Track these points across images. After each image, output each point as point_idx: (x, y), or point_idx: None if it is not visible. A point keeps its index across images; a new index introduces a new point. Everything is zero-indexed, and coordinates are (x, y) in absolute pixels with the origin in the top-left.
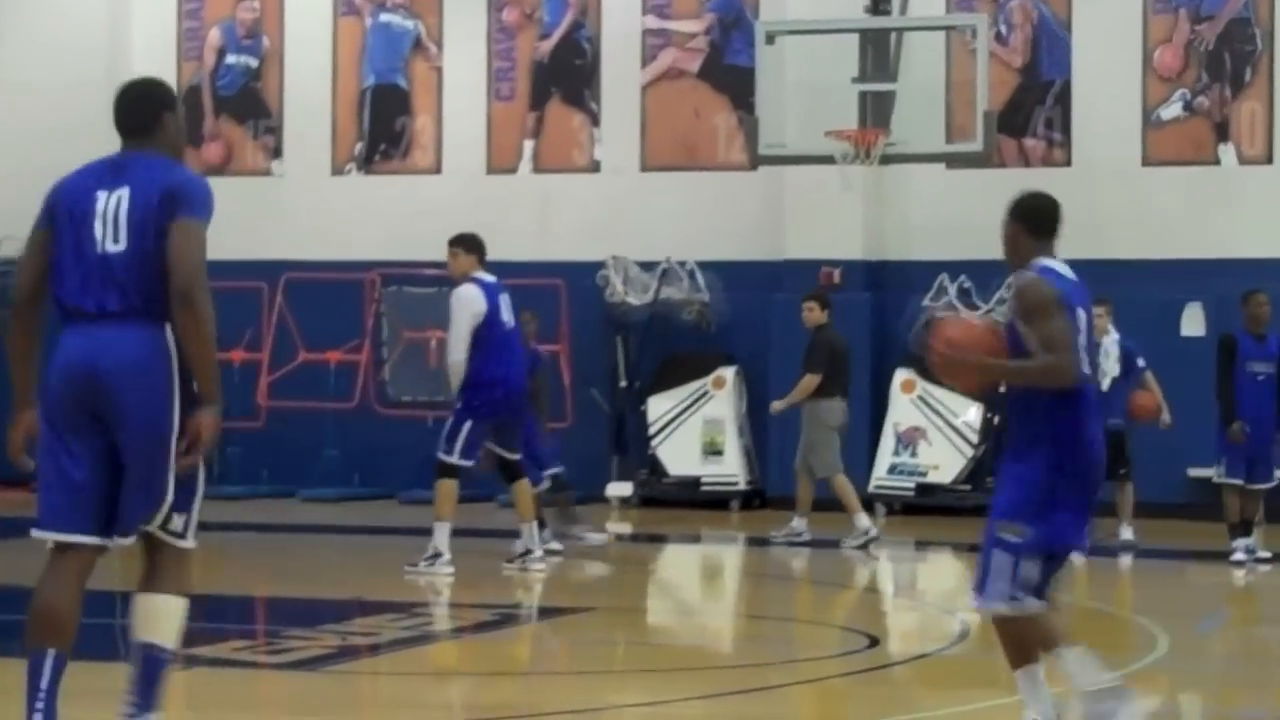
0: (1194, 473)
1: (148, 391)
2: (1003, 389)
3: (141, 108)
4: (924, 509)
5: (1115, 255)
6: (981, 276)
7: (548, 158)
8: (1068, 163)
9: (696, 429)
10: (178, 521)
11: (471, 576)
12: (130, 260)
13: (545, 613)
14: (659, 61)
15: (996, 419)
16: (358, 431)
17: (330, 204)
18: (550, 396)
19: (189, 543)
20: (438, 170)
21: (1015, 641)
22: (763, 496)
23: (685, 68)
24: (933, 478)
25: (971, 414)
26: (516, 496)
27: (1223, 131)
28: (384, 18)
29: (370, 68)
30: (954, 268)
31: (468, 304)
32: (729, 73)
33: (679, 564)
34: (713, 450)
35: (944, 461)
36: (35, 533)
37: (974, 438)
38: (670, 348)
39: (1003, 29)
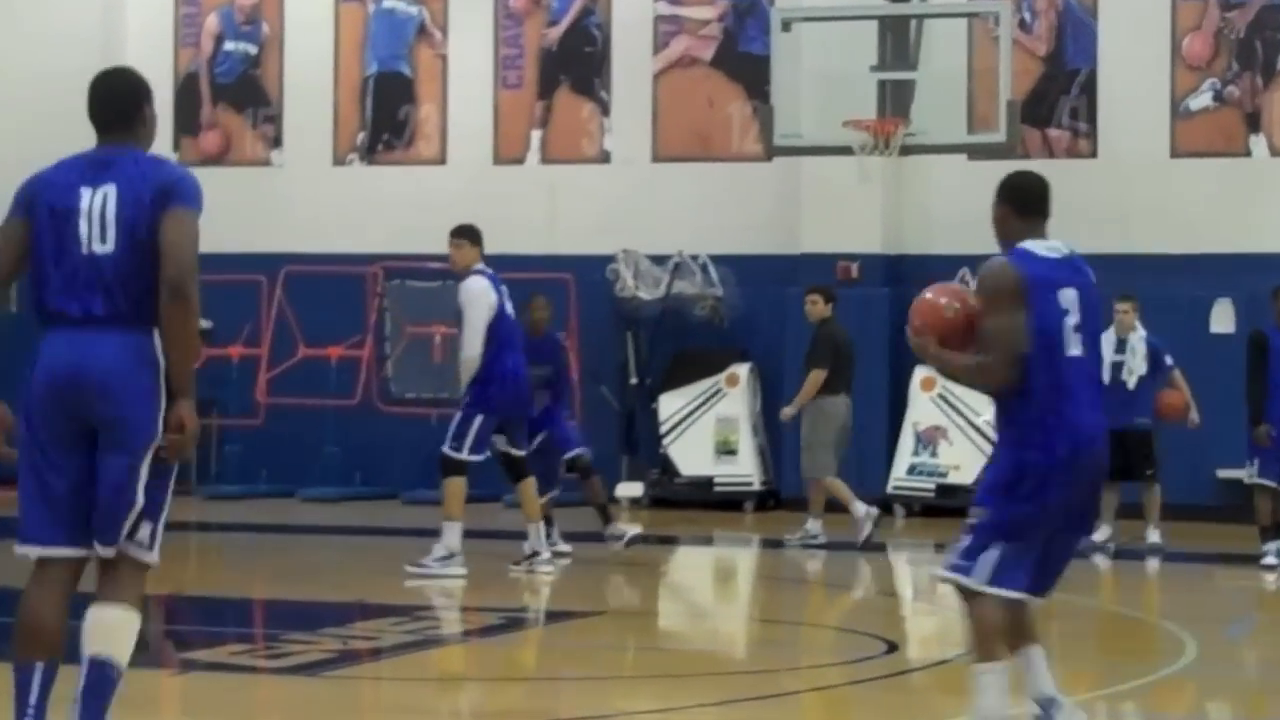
0: (1223, 474)
1: (132, 399)
2: None
3: (122, 100)
4: (944, 510)
5: (1142, 249)
6: None
7: (556, 148)
8: (1093, 154)
9: (709, 428)
10: (144, 531)
11: (477, 579)
12: (118, 261)
13: (553, 616)
14: (671, 49)
15: None
16: (359, 429)
17: (331, 195)
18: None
19: (152, 556)
20: (442, 161)
21: (973, 628)
22: (777, 497)
23: (698, 55)
24: (953, 478)
25: (993, 413)
26: (522, 496)
27: (1254, 122)
28: (387, 3)
29: (373, 55)
30: (975, 261)
31: (481, 296)
32: (743, 61)
33: (691, 566)
34: (726, 450)
35: (965, 461)
36: (19, 549)
37: (996, 437)
38: (682, 344)
39: (1026, 16)
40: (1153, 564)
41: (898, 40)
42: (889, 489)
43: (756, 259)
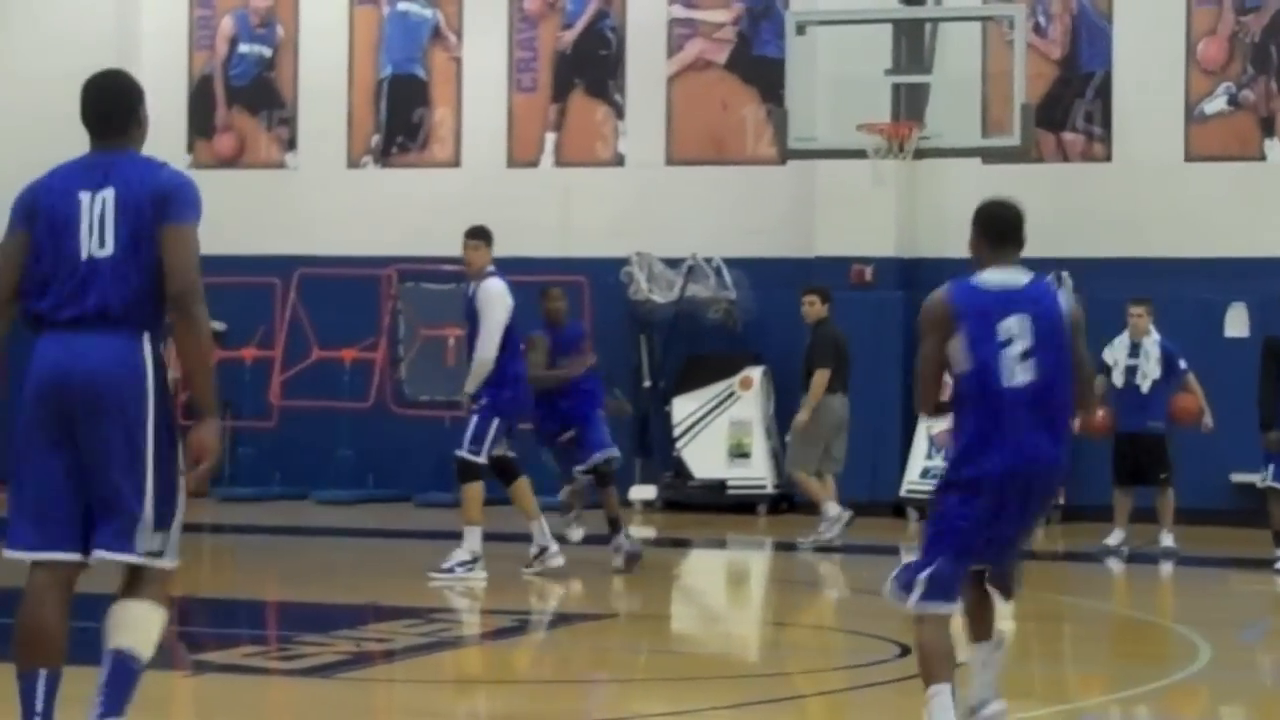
0: (1237, 478)
1: (123, 403)
2: None
3: (118, 103)
4: None
5: (1157, 254)
6: None
7: (570, 151)
8: (1108, 158)
9: (723, 431)
10: (156, 540)
11: (493, 582)
12: (116, 265)
13: (566, 619)
14: (685, 52)
15: None
16: (373, 432)
17: (346, 198)
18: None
19: (167, 562)
20: (457, 163)
21: (916, 650)
22: (791, 501)
23: (713, 59)
24: None
25: None
26: (516, 497)
27: (1268, 126)
28: (402, 6)
29: (387, 57)
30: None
31: (501, 298)
32: (758, 64)
33: (704, 569)
34: (739, 453)
35: None
36: (9, 553)
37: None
38: (696, 347)
39: (1041, 20)
40: (1166, 568)
41: (912, 44)
42: (902, 492)
43: (770, 262)
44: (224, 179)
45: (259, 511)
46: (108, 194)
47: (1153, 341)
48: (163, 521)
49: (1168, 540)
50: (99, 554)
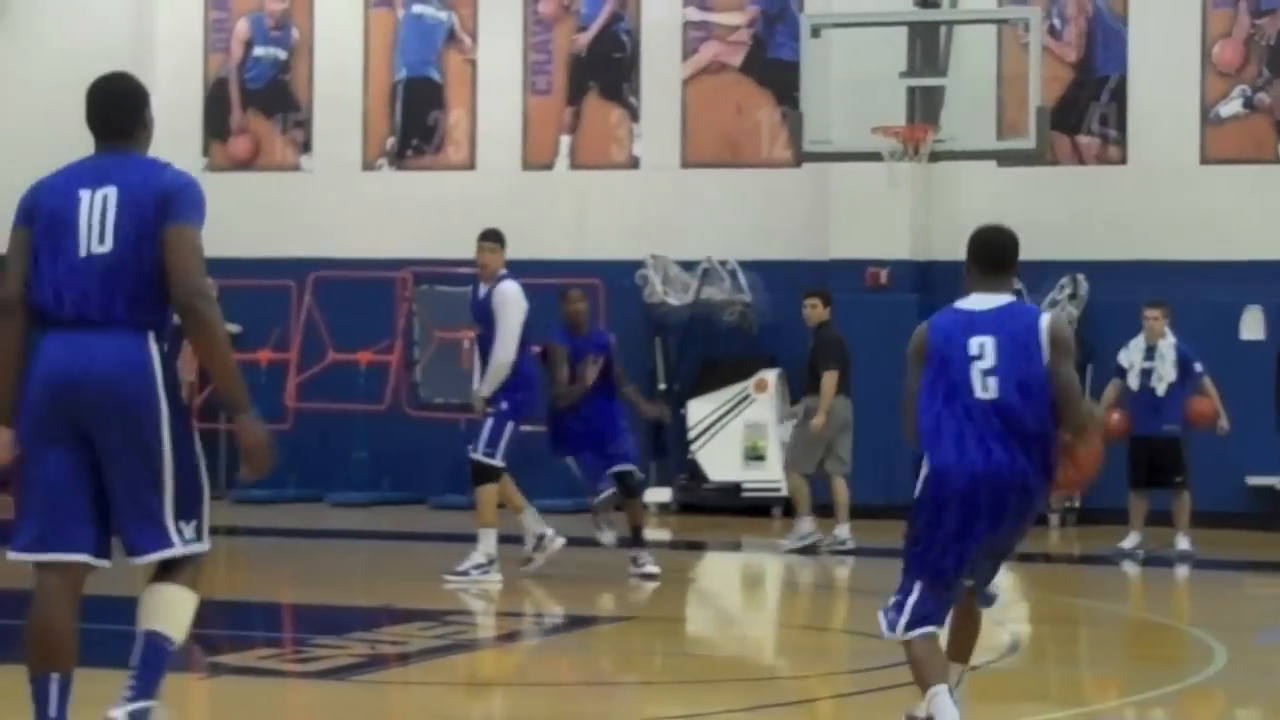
0: (1253, 481)
1: (128, 403)
2: None
3: (124, 106)
4: None
5: (1172, 256)
6: (1034, 277)
7: (585, 154)
8: (1123, 161)
9: (738, 433)
10: (187, 530)
11: (506, 584)
12: (116, 263)
13: (582, 622)
14: (700, 55)
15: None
16: (388, 434)
17: (361, 200)
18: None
19: (202, 546)
20: (471, 166)
21: (912, 665)
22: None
23: (727, 61)
24: None
25: None
26: (502, 494)
27: None
28: (417, 9)
29: (402, 60)
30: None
31: (518, 300)
32: (773, 67)
33: (719, 572)
34: (754, 455)
35: None
36: (18, 555)
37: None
38: (711, 350)
39: (1056, 22)
40: (1182, 571)
41: (927, 46)
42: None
43: (785, 265)
44: (239, 182)
45: (274, 514)
46: (109, 191)
47: (1168, 344)
48: (191, 511)
49: (1183, 543)
50: (141, 558)
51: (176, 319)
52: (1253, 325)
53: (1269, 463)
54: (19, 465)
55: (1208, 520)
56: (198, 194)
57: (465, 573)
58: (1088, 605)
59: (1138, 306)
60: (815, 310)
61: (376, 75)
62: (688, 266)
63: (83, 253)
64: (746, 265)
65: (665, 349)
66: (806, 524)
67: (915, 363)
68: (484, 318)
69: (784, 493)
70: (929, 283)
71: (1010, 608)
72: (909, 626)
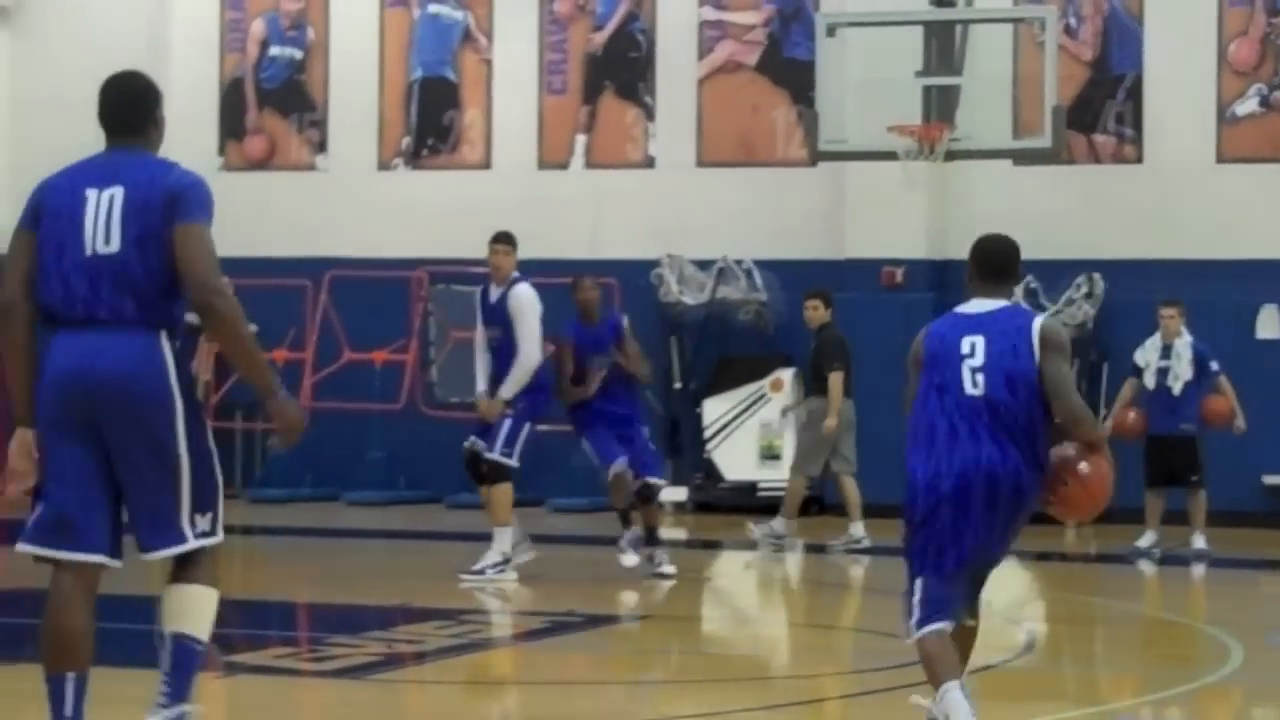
0: (1269, 480)
1: (143, 403)
2: None
3: (136, 104)
4: None
5: (1188, 255)
6: (1049, 277)
7: (600, 153)
8: (1139, 159)
9: (753, 432)
10: (203, 523)
11: (521, 583)
12: (124, 262)
13: (598, 621)
14: (716, 54)
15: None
16: (403, 433)
17: (376, 200)
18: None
19: (216, 538)
20: (487, 165)
21: (924, 662)
22: (821, 503)
23: (743, 61)
24: None
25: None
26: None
27: None
28: (432, 9)
29: (418, 60)
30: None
31: (534, 302)
32: (788, 66)
33: (734, 571)
34: (770, 454)
35: None
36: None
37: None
38: (726, 349)
39: (1072, 21)
40: (1198, 570)
41: (943, 45)
42: None
43: (801, 264)
44: (255, 181)
45: (290, 513)
46: (115, 191)
47: (1184, 343)
48: (208, 504)
49: (1199, 542)
50: (154, 555)
51: (189, 317)
52: (1269, 324)
53: None
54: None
55: (1224, 519)
56: (205, 192)
57: (481, 571)
58: (1104, 604)
59: (1154, 305)
60: (817, 312)
61: (392, 75)
62: (703, 266)
63: (89, 252)
64: (762, 264)
65: (681, 348)
66: (780, 526)
67: (915, 370)
68: (499, 320)
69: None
70: (944, 282)
71: (1026, 606)
72: (919, 624)
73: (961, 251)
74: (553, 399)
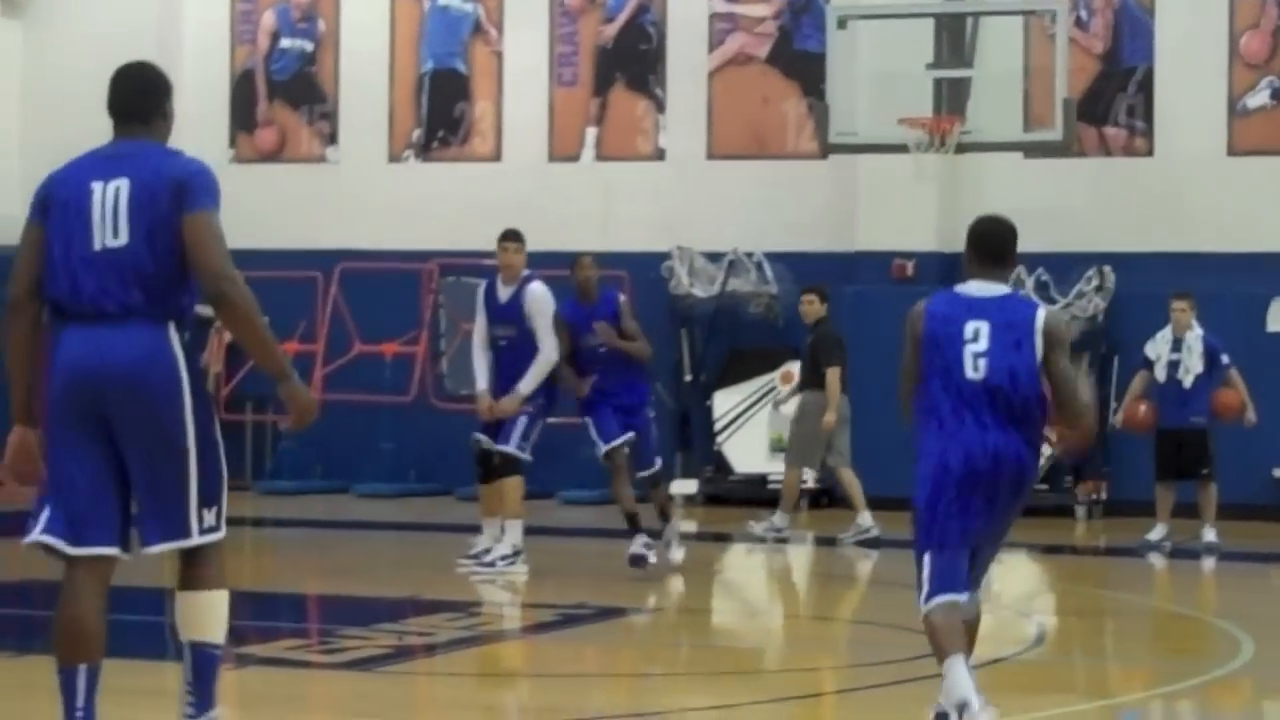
0: None
1: (153, 396)
2: None
3: (147, 95)
4: None
5: (1199, 248)
6: (1060, 269)
7: (611, 145)
8: (1150, 152)
9: (763, 425)
10: (209, 517)
11: (531, 575)
12: (132, 255)
13: (608, 613)
14: (726, 46)
15: None
16: (414, 426)
17: (387, 192)
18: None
19: (219, 534)
20: (497, 158)
21: (930, 637)
22: (831, 495)
23: (754, 53)
24: None
25: None
26: (489, 495)
27: None
28: (443, 0)
29: (429, 52)
30: (1032, 260)
31: (549, 300)
32: (799, 58)
33: (744, 564)
34: (780, 447)
35: None
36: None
37: (1052, 436)
38: (736, 341)
39: (1083, 14)
40: (1208, 563)
41: (954, 38)
42: None
43: (811, 257)
44: (265, 173)
45: (300, 505)
46: (121, 184)
47: (1195, 336)
48: (213, 497)
49: (1210, 535)
50: (156, 548)
51: (199, 308)
52: None
53: None
54: (47, 459)
55: (1234, 512)
56: (211, 179)
57: (491, 563)
58: (1114, 597)
59: (1164, 298)
60: (813, 306)
61: (402, 67)
62: (713, 258)
63: (97, 246)
64: (772, 257)
65: (691, 341)
66: (781, 520)
67: (912, 342)
68: (513, 319)
69: (810, 485)
70: (955, 275)
71: (1036, 599)
72: (929, 597)
73: None
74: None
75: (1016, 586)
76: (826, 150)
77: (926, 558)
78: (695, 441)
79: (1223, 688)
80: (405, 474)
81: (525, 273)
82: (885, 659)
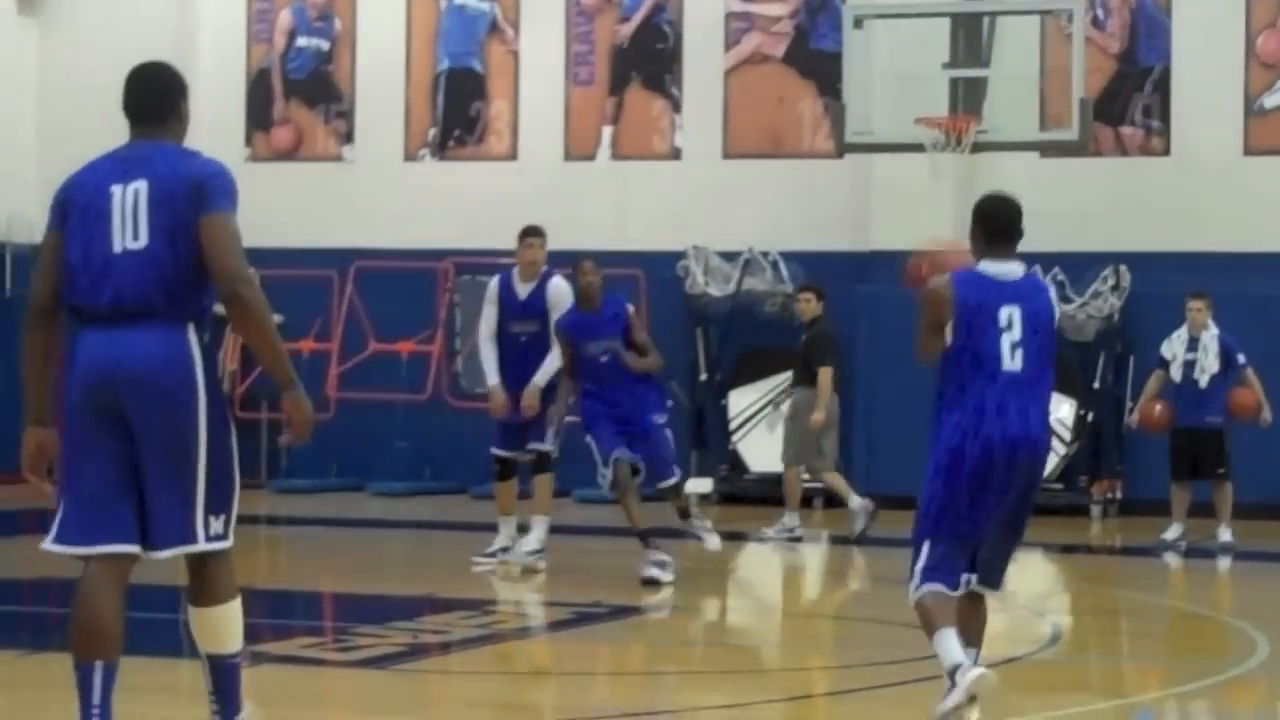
0: None
1: (170, 398)
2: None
3: (162, 95)
4: None
5: (1215, 248)
6: (1076, 269)
7: (627, 145)
8: (1166, 152)
9: (778, 424)
10: (216, 525)
11: (548, 573)
12: (152, 257)
13: (623, 612)
14: (743, 46)
15: (1090, 416)
16: (429, 424)
17: (403, 191)
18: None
19: (226, 542)
20: (513, 157)
21: (921, 617)
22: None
23: (770, 52)
24: None
25: (1064, 410)
26: (505, 491)
27: None
28: (459, 0)
29: (445, 51)
30: (1048, 260)
31: (569, 296)
32: (815, 58)
33: (760, 563)
34: None
35: None
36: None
37: (1066, 435)
38: (752, 341)
39: (1100, 13)
40: (1224, 562)
41: (970, 37)
42: None
43: (827, 256)
44: (281, 172)
45: (315, 503)
46: (140, 186)
47: (1211, 336)
48: (223, 505)
49: (1225, 535)
50: (162, 553)
51: (216, 308)
52: None
53: None
54: (63, 460)
55: (1250, 512)
56: (228, 180)
57: (520, 557)
58: (1129, 596)
59: (1180, 298)
60: (809, 304)
61: (419, 66)
62: (729, 257)
63: (117, 249)
64: (788, 256)
65: (706, 340)
66: (792, 519)
67: (934, 318)
68: (535, 314)
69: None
70: None
71: (1052, 599)
72: (922, 582)
73: None
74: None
75: (1031, 586)
76: (842, 150)
77: (925, 546)
78: (710, 441)
79: (1238, 687)
80: (420, 472)
81: (545, 268)
82: (899, 658)
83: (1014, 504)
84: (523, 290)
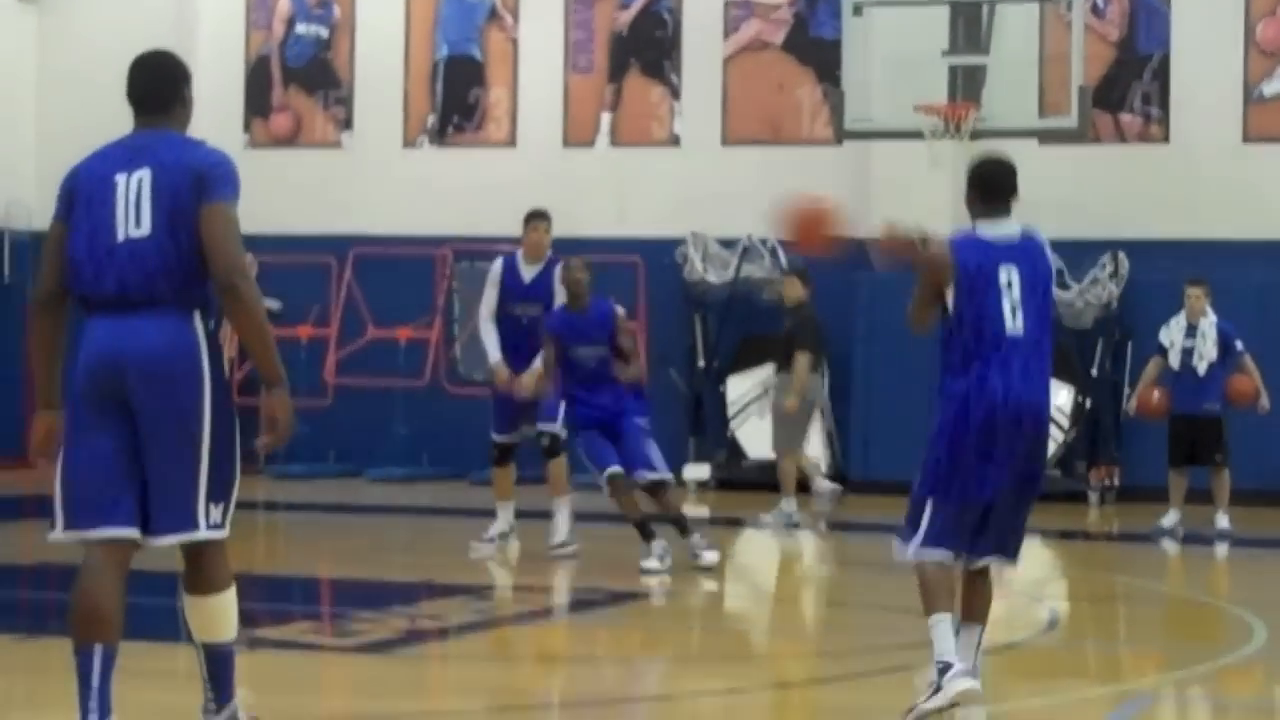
0: None
1: (174, 385)
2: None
3: (165, 83)
4: None
5: (1214, 235)
6: (1075, 256)
7: (626, 132)
8: (1165, 139)
9: (767, 412)
10: (215, 513)
11: (545, 560)
12: (155, 245)
13: (620, 597)
14: (742, 33)
15: (1089, 402)
16: (427, 410)
17: (401, 177)
18: None
19: (223, 532)
20: (512, 143)
21: (918, 588)
22: (844, 480)
23: (769, 39)
24: None
25: (1063, 397)
26: (502, 477)
27: None
28: None
29: (443, 38)
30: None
31: None
32: (814, 45)
33: (757, 548)
34: None
35: None
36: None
37: (1064, 422)
38: (750, 327)
39: (1099, 1)
40: (1221, 549)
41: (969, 24)
42: None
43: None
44: (280, 158)
45: (313, 489)
46: (143, 174)
47: (1209, 323)
48: (223, 494)
49: (1223, 521)
50: (162, 539)
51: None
52: None
53: None
54: (66, 446)
55: (1247, 498)
56: (231, 170)
57: (561, 546)
58: (1127, 583)
59: (1179, 285)
60: (794, 289)
61: (418, 53)
62: (728, 244)
63: (121, 237)
64: (786, 243)
65: (705, 326)
66: (790, 504)
67: (932, 279)
68: (540, 297)
69: (823, 470)
70: None
71: (1049, 585)
72: (922, 544)
73: None
74: None
75: (1029, 572)
76: (841, 136)
77: (929, 504)
78: (708, 427)
79: (1235, 673)
80: (418, 458)
81: (550, 253)
82: (898, 643)
83: (1022, 469)
84: (527, 273)
